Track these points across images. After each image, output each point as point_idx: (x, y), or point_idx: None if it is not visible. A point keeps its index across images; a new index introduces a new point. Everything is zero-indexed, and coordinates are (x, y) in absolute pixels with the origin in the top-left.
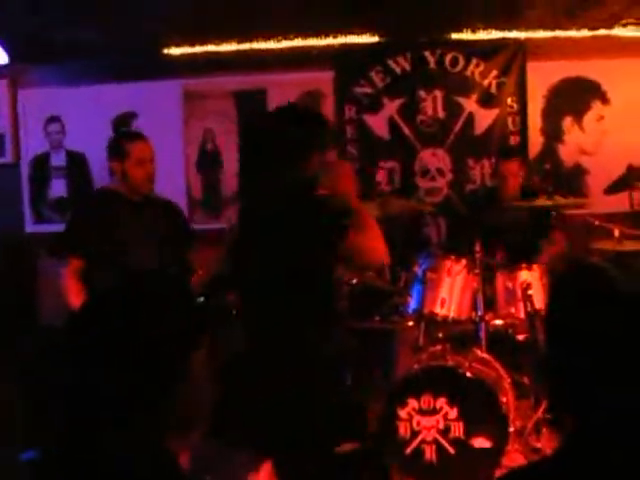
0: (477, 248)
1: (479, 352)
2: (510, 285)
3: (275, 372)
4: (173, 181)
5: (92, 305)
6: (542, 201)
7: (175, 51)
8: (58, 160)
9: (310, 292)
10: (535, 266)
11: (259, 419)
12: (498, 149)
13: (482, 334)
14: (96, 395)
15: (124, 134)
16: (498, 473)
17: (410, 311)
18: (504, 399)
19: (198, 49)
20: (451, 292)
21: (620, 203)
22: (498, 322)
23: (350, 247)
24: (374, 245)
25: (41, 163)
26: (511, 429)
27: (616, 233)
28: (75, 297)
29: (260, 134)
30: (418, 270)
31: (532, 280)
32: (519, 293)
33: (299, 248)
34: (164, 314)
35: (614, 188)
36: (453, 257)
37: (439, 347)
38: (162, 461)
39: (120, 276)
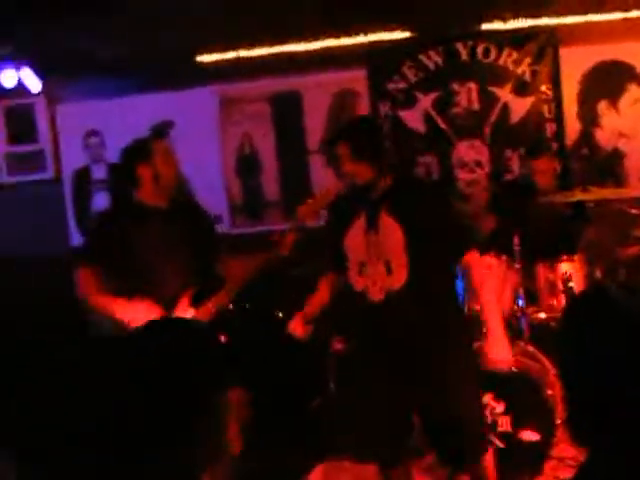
0: (516, 241)
1: (523, 345)
2: (551, 277)
3: None
4: (212, 187)
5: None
6: (578, 194)
7: (208, 58)
8: (99, 173)
9: None
10: (576, 257)
11: None
12: (528, 145)
13: (525, 327)
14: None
15: (142, 138)
16: (548, 465)
17: None
18: (550, 392)
19: (231, 55)
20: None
21: None
22: (541, 315)
23: None
24: None
25: (82, 177)
26: (558, 421)
27: None
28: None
29: None
30: (458, 267)
31: (573, 271)
32: (560, 285)
33: None
34: (196, 361)
35: None
36: (493, 252)
37: (480, 343)
38: None
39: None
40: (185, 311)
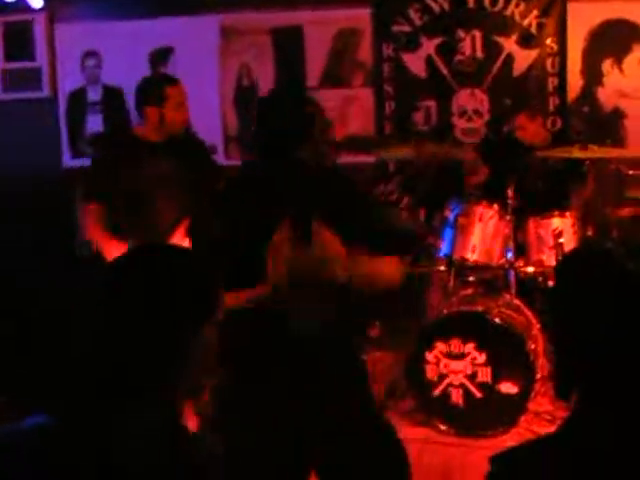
0: (510, 194)
1: (509, 297)
2: (542, 232)
3: None
4: (209, 117)
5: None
6: (577, 151)
7: None
8: (95, 95)
9: None
10: (568, 213)
11: None
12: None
13: (512, 280)
14: (118, 359)
15: (162, 77)
16: (524, 418)
17: (441, 255)
18: (533, 345)
19: None
20: (482, 238)
21: None
22: (529, 269)
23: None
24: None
25: (78, 98)
26: (538, 375)
27: None
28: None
29: None
30: (450, 215)
31: (564, 227)
32: (550, 240)
33: None
34: (178, 286)
35: None
36: (485, 202)
37: (469, 291)
38: (174, 431)
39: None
40: (181, 242)
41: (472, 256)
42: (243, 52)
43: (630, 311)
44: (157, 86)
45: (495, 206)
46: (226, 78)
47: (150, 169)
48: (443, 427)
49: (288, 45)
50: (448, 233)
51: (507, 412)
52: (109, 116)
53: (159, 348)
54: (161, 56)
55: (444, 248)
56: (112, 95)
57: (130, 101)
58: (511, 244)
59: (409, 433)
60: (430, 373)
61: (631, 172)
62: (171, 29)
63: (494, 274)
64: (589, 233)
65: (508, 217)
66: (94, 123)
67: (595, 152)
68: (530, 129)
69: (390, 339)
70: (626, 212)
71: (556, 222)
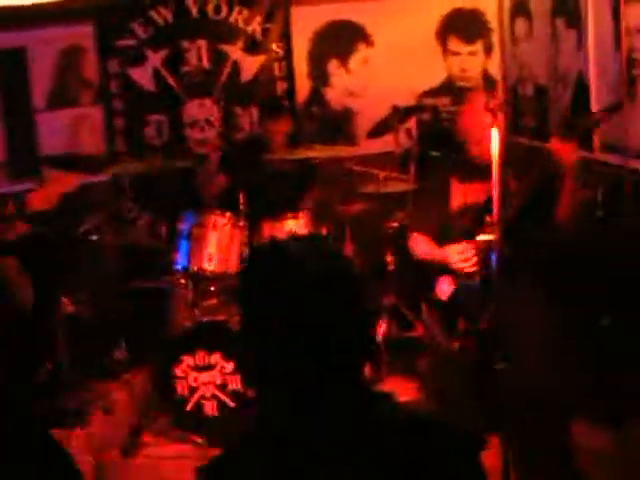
0: (241, 200)
1: None
2: (277, 235)
3: None
4: None
5: None
6: (304, 152)
7: None
8: None
9: None
10: (301, 214)
11: None
12: (263, 105)
13: None
14: None
15: None
16: None
17: (179, 268)
18: None
19: None
20: (218, 246)
21: (387, 144)
22: None
23: None
24: None
25: None
26: None
27: (381, 176)
28: None
29: None
30: (183, 226)
31: (298, 228)
32: None
33: None
34: None
35: (377, 131)
36: (218, 211)
37: (212, 301)
38: None
39: None
40: None
41: (209, 266)
42: None
43: (303, 307)
44: None
45: (228, 214)
46: None
47: None
48: (200, 441)
49: (11, 67)
50: (184, 245)
51: None
52: None
53: None
54: None
55: (181, 260)
56: None
57: None
58: (246, 250)
59: (166, 451)
60: (180, 388)
61: (358, 168)
62: None
63: (233, 282)
64: (323, 231)
65: (241, 223)
66: None
67: (322, 151)
68: (286, 132)
69: (137, 358)
70: (357, 208)
71: (290, 224)
